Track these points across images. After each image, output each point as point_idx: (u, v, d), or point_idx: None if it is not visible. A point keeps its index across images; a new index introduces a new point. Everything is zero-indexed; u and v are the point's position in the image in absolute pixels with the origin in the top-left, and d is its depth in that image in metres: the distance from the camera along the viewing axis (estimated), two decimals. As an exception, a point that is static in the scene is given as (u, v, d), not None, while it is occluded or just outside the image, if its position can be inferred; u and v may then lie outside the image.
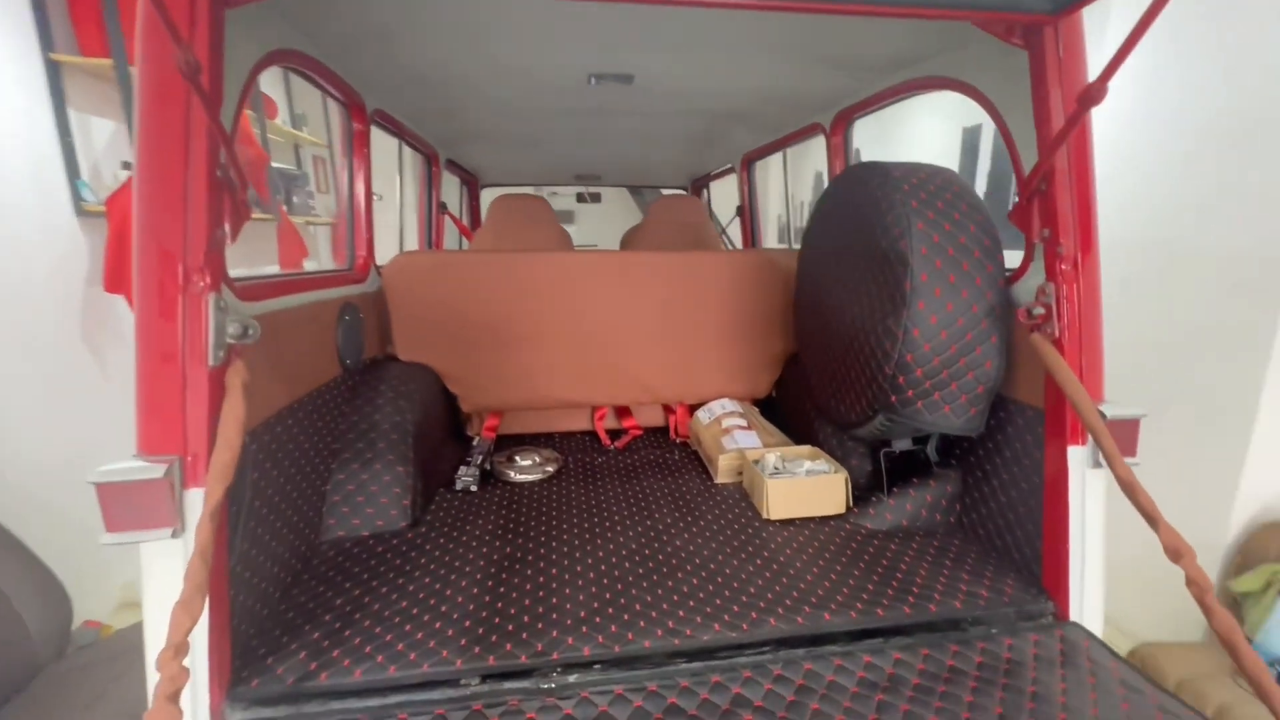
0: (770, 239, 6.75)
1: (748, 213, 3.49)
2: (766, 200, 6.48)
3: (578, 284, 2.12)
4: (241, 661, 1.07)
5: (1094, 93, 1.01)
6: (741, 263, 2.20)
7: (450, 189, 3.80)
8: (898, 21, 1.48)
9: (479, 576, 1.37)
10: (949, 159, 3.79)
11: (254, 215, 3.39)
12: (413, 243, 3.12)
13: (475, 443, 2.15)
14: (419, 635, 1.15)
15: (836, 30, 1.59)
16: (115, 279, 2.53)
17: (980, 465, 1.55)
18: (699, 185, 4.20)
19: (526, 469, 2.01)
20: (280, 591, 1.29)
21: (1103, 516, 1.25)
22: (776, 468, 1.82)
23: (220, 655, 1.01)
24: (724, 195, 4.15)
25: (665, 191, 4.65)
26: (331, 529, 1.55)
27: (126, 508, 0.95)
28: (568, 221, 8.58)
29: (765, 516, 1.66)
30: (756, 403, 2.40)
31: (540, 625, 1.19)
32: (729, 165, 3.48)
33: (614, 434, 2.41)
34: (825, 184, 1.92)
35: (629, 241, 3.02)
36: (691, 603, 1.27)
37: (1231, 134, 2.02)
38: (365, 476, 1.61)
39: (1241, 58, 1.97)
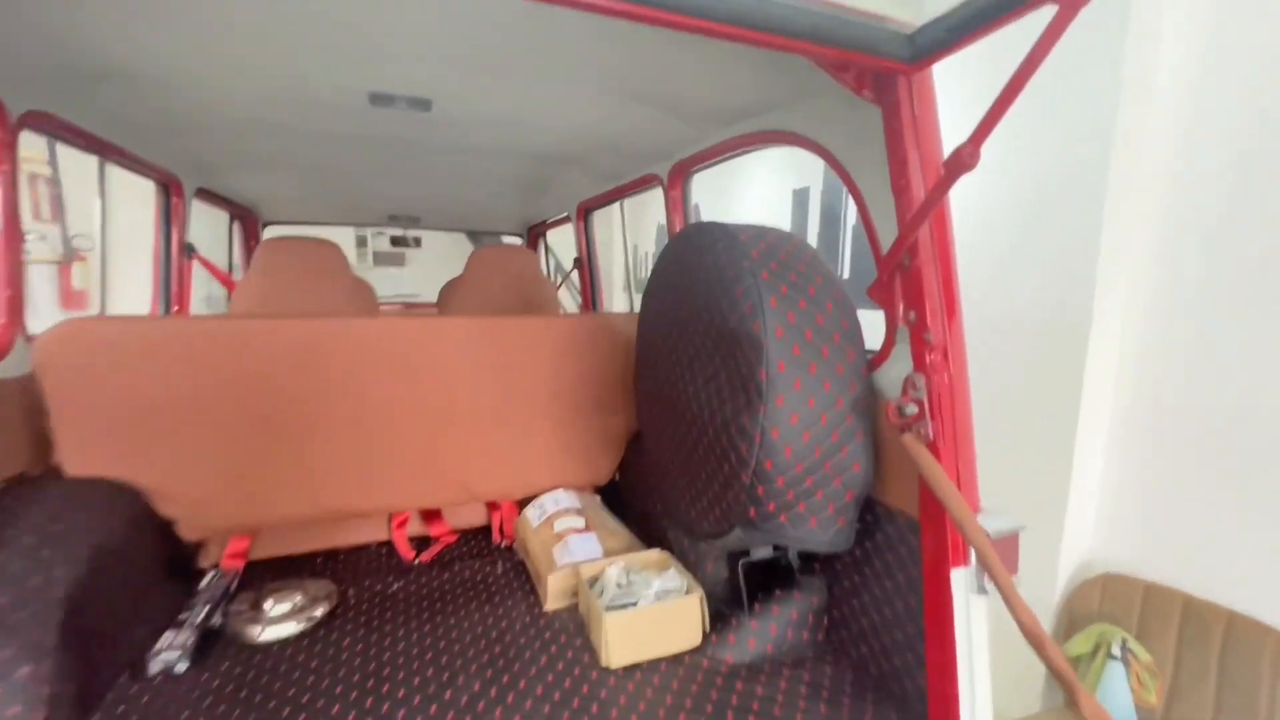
0: (616, 289, 6.62)
1: (586, 266, 3.21)
2: (610, 250, 6.36)
3: (360, 358, 1.63)
4: None
5: (965, 158, 0.84)
6: (574, 329, 1.87)
7: (208, 227, 3.04)
8: (735, 67, 1.29)
9: None
10: (781, 218, 3.90)
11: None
12: (137, 302, 2.35)
13: (205, 582, 1.53)
14: None
15: (668, 71, 1.36)
16: None
17: (848, 574, 1.33)
18: (536, 233, 3.87)
19: (280, 618, 1.43)
20: None
21: (988, 648, 1.07)
22: (620, 585, 1.47)
23: None
24: (568, 243, 3.85)
25: (506, 239, 4.26)
26: None
27: None
28: (396, 264, 7.76)
29: (605, 664, 1.29)
30: (598, 490, 2.05)
31: None
32: (565, 214, 3.20)
33: (421, 541, 1.90)
34: (666, 237, 1.69)
35: (446, 298, 2.56)
36: None
37: (1025, 214, 2.16)
38: None
39: (1030, 148, 2.12)
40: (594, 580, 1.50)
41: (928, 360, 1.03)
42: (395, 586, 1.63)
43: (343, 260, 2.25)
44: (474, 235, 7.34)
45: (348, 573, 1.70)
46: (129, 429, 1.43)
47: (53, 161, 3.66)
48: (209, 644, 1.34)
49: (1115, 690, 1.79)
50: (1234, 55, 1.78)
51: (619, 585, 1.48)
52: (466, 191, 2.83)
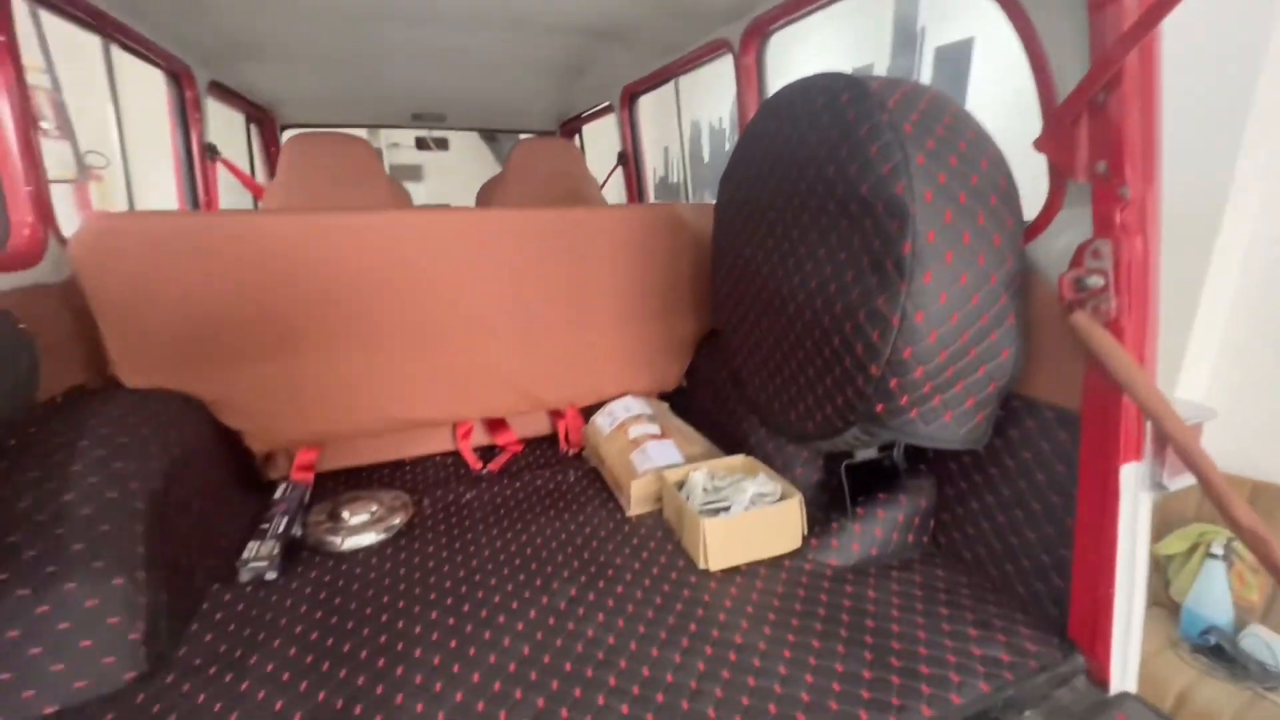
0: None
1: (633, 162, 2.95)
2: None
3: (413, 255, 1.50)
4: None
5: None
6: (639, 220, 1.69)
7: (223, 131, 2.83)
8: None
9: None
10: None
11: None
12: (164, 203, 2.20)
13: (280, 493, 1.49)
14: None
15: None
16: None
17: (966, 474, 1.22)
18: (569, 129, 3.57)
19: (359, 527, 1.40)
20: None
21: (1148, 551, 0.96)
22: (707, 490, 1.40)
23: None
24: (598, 146, 3.55)
25: (524, 136, 3.95)
26: None
27: None
28: (413, 178, 7.45)
29: (703, 567, 1.23)
30: (664, 397, 1.95)
31: None
32: (604, 103, 2.91)
33: (486, 451, 1.85)
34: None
35: (486, 198, 2.36)
36: None
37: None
38: (45, 608, 0.92)
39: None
40: (680, 485, 1.43)
41: (1118, 221, 0.86)
42: (468, 496, 1.58)
43: (375, 160, 2.06)
44: (490, 137, 6.92)
45: (418, 483, 1.65)
46: (181, 336, 1.33)
47: (50, 70, 3.42)
48: (292, 553, 1.31)
49: (1214, 588, 1.73)
50: None
51: (705, 490, 1.40)
52: (500, 82, 2.56)
